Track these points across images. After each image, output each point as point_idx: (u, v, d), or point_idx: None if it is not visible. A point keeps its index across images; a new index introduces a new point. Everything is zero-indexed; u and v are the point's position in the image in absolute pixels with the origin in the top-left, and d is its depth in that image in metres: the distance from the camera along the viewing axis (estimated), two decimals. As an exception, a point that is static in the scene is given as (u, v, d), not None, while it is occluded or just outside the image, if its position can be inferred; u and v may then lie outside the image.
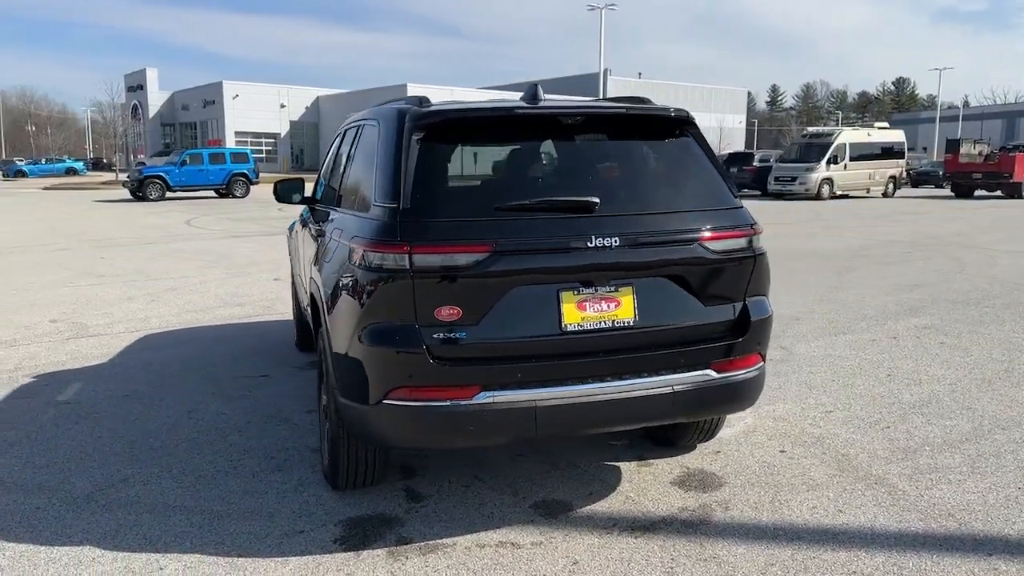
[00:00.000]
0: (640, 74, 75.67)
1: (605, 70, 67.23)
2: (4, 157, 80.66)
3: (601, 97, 28.83)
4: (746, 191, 30.63)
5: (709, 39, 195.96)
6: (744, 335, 3.43)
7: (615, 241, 3.14)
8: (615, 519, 3.49)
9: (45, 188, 41.26)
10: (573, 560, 3.14)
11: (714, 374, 3.36)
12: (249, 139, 63.16)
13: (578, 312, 3.15)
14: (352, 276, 3.18)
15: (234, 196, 30.38)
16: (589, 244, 3.11)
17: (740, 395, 3.50)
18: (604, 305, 3.18)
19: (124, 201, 28.96)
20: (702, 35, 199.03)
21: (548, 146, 3.56)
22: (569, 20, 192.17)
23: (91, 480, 3.96)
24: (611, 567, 3.08)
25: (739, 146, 69.14)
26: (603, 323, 3.18)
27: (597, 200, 3.18)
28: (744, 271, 3.44)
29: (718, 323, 3.41)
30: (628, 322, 3.22)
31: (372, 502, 3.67)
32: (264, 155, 64.05)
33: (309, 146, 66.79)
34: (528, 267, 3.09)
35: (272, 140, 64.80)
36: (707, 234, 3.31)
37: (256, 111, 62.28)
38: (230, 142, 61.54)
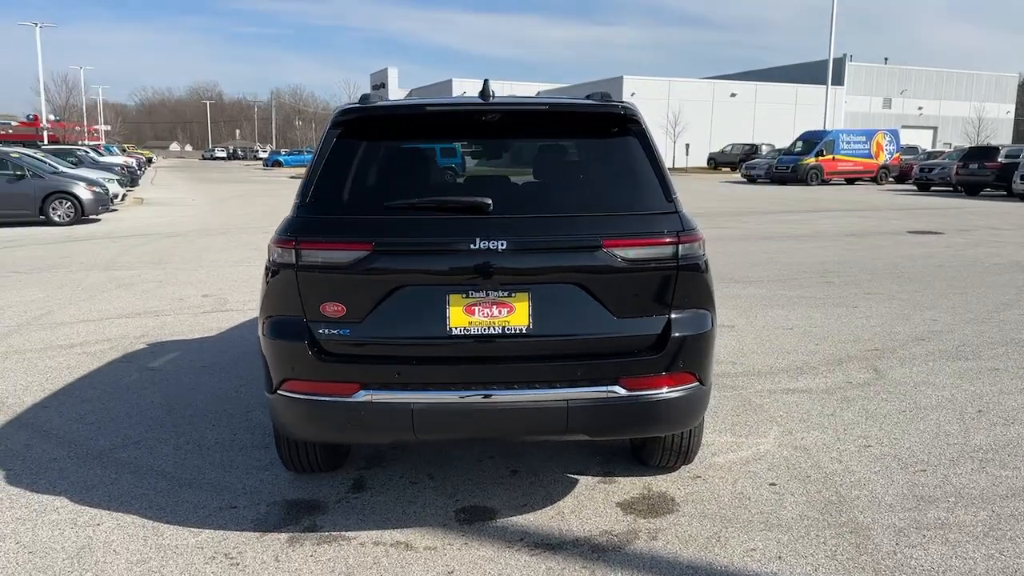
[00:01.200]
0: (886, 60, 69.40)
1: (844, 56, 62.61)
2: (274, 148, 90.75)
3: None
4: (988, 191, 27.24)
5: (975, 18, 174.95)
6: (661, 351, 3.13)
7: (503, 244, 3.00)
8: (528, 533, 3.35)
9: (291, 177, 45.87)
10: (450, 570, 3.06)
11: (622, 391, 3.11)
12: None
13: (466, 316, 3.05)
14: (263, 271, 3.32)
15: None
16: (473, 246, 2.99)
17: (656, 417, 3.20)
18: (495, 310, 3.06)
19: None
20: (967, 14, 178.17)
21: (470, 144, 3.46)
22: (814, 3, 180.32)
23: (110, 440, 4.44)
24: (483, 582, 2.97)
25: (1005, 139, 61.40)
26: (493, 328, 3.05)
27: (489, 201, 3.05)
28: (666, 282, 3.14)
29: (632, 337, 3.14)
30: (521, 329, 3.07)
31: (315, 487, 3.79)
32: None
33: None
34: (410, 267, 3.05)
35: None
36: (616, 240, 3.05)
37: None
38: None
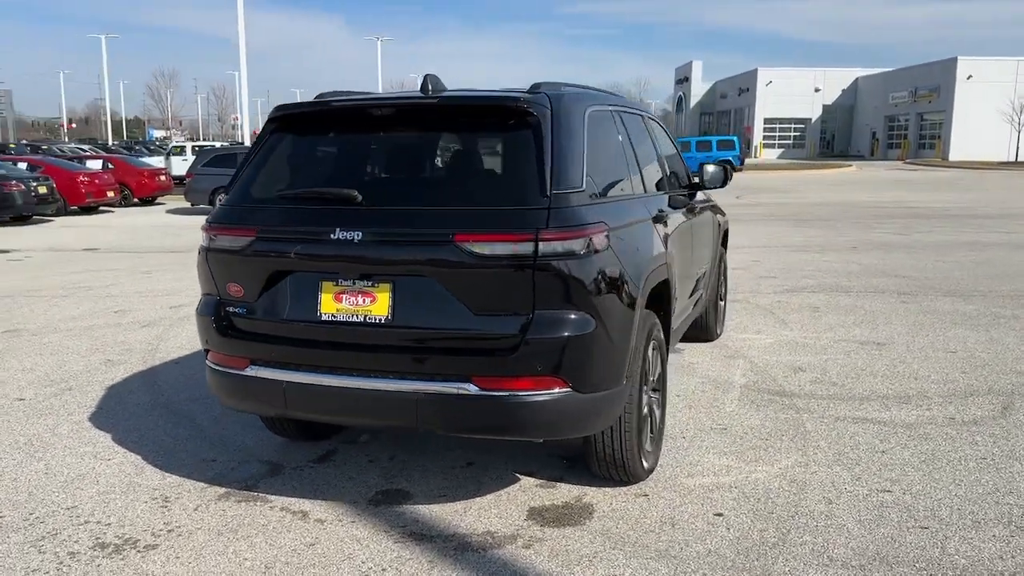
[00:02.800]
0: None
1: None
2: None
3: None
4: None
5: None
6: (517, 353, 3.00)
7: (359, 236, 3.08)
8: (417, 521, 3.40)
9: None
10: (313, 542, 3.24)
11: (473, 389, 3.03)
12: (778, 125, 62.85)
13: (335, 303, 3.19)
14: None
15: (717, 182, 31.08)
16: (334, 236, 3.11)
17: (512, 420, 3.07)
18: (359, 299, 3.15)
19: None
20: None
21: (364, 138, 3.53)
22: None
23: (187, 394, 5.21)
24: (335, 554, 3.10)
25: None
26: (356, 317, 3.16)
27: (355, 193, 3.14)
28: (524, 280, 2.98)
29: (488, 335, 3.04)
30: (381, 319, 3.13)
31: (290, 453, 4.16)
32: (791, 141, 63.08)
33: (841, 131, 63.55)
34: (285, 253, 3.24)
35: (802, 126, 63.32)
36: (467, 235, 2.97)
37: (788, 96, 61.52)
38: (758, 129, 62.15)
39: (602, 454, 3.53)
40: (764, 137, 63.03)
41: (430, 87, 3.45)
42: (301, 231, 3.21)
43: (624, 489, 3.70)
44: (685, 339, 6.33)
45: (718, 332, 6.39)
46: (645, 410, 3.68)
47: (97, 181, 20.34)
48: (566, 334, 3.03)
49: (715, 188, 5.58)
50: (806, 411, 4.76)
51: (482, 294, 3.03)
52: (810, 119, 63.19)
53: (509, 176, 3.15)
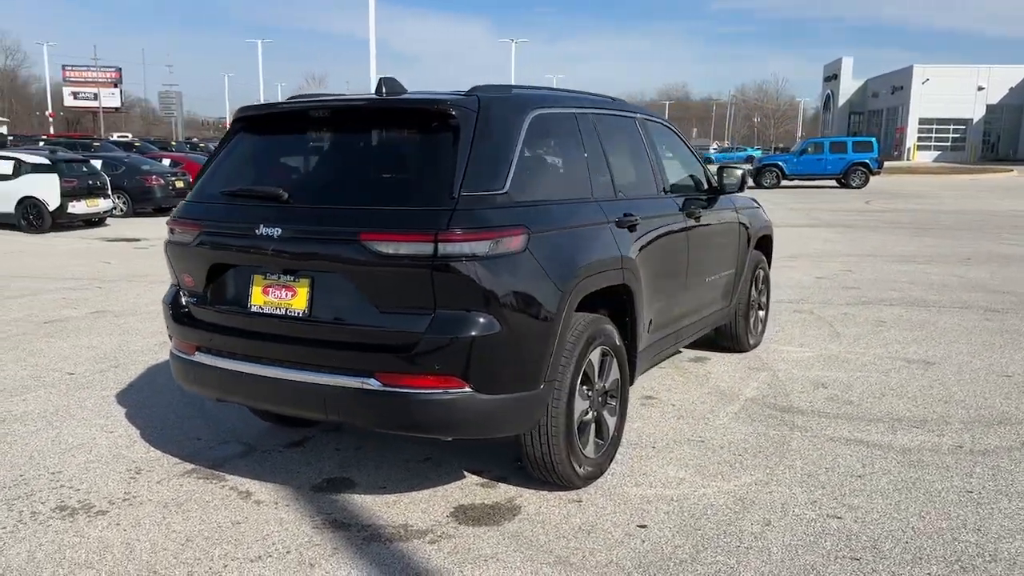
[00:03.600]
0: None
1: None
2: (728, 145, 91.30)
3: None
4: None
5: None
6: (417, 351, 3.06)
7: (278, 232, 3.23)
8: (345, 510, 3.53)
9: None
10: (242, 519, 3.43)
11: (376, 384, 3.12)
12: (935, 126, 58.74)
13: (263, 296, 3.36)
14: None
15: (850, 186, 29.53)
16: (258, 232, 3.28)
17: (413, 417, 3.12)
18: (283, 293, 3.31)
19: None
20: None
21: (302, 139, 3.66)
22: None
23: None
24: (252, 534, 3.28)
25: None
26: (279, 310, 3.32)
27: (281, 191, 3.29)
28: (424, 280, 3.04)
29: (392, 332, 3.11)
30: (299, 313, 3.27)
31: (269, 437, 4.40)
32: (949, 143, 58.78)
33: (1008, 132, 58.53)
34: (221, 246, 3.44)
35: (962, 127, 58.81)
36: (370, 234, 3.06)
37: (946, 95, 57.25)
38: (912, 130, 58.35)
39: (531, 456, 3.53)
40: (919, 139, 58.98)
41: (384, 90, 3.57)
42: (234, 227, 3.41)
43: (560, 494, 3.68)
44: (716, 348, 6.15)
45: (750, 342, 6.15)
46: (583, 416, 3.63)
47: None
48: (466, 335, 3.06)
49: (732, 193, 5.41)
50: (800, 429, 4.53)
51: (386, 292, 3.11)
52: (971, 120, 58.53)
53: (421, 177, 3.21)
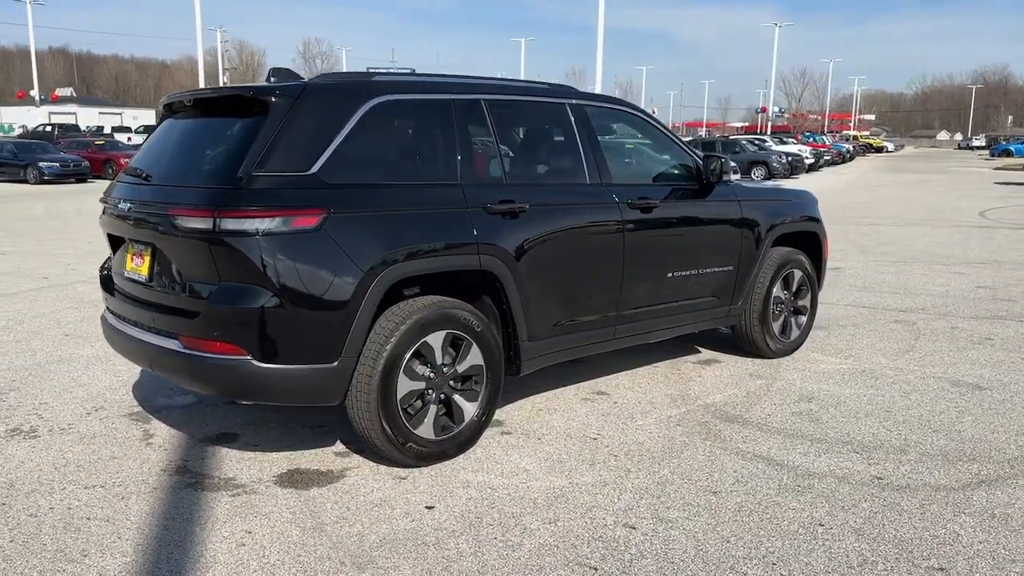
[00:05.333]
0: None
1: None
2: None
3: None
4: None
5: None
6: (202, 317, 3.37)
7: (129, 207, 3.69)
8: (193, 459, 3.92)
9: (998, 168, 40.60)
10: (118, 455, 3.95)
11: (178, 346, 3.47)
12: None
13: (130, 263, 3.85)
14: None
15: None
16: (121, 206, 3.76)
17: (203, 378, 3.46)
18: (137, 260, 3.78)
19: None
20: None
21: (178, 123, 4.02)
22: None
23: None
24: (96, 463, 3.80)
25: None
26: (134, 275, 3.79)
27: (144, 171, 3.74)
28: (207, 253, 3.32)
29: (188, 299, 3.45)
30: (143, 279, 3.72)
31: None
32: None
33: None
34: (111, 218, 3.97)
35: None
36: (174, 210, 3.40)
37: None
38: None
39: (356, 430, 3.69)
40: None
41: (272, 79, 3.91)
42: (116, 201, 3.93)
43: (389, 469, 3.79)
44: (739, 352, 5.74)
45: (771, 347, 5.63)
46: (414, 396, 3.71)
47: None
48: (242, 306, 3.31)
49: (718, 183, 5.06)
50: (720, 440, 4.18)
51: (187, 263, 3.46)
52: None
53: (223, 159, 3.49)
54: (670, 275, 4.85)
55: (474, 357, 3.89)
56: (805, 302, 5.89)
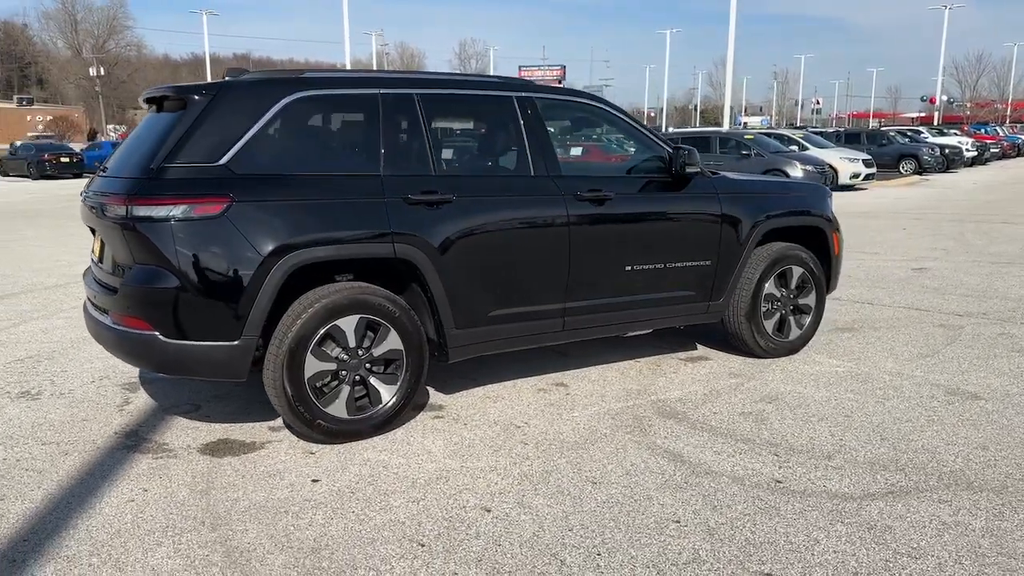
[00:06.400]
0: None
1: None
2: None
3: None
4: None
5: None
6: (117, 294, 3.74)
7: (85, 197, 4.12)
8: (154, 426, 4.32)
9: None
10: (89, 419, 4.44)
11: (109, 321, 3.87)
12: None
13: (98, 249, 4.29)
14: None
15: None
16: (86, 198, 4.20)
17: (123, 348, 3.83)
18: (97, 245, 4.21)
19: None
20: None
21: (143, 120, 4.37)
22: None
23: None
24: (80, 431, 4.27)
25: None
26: (94, 259, 4.23)
27: (105, 164, 4.17)
28: (122, 237, 3.68)
29: (114, 277, 3.84)
30: (96, 261, 4.15)
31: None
32: None
33: None
34: (82, 209, 4.43)
35: None
36: (103, 198, 3.79)
37: None
38: None
39: (273, 404, 3.97)
40: None
41: (226, 78, 4.26)
42: (83, 193, 4.38)
43: (302, 444, 4.03)
44: (735, 350, 5.58)
45: (761, 345, 5.41)
46: (324, 377, 3.92)
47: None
48: (146, 286, 3.66)
49: (690, 175, 4.95)
50: (644, 436, 4.14)
51: (114, 246, 3.85)
52: None
53: (146, 151, 3.81)
54: (629, 268, 4.79)
55: (392, 342, 4.06)
56: (808, 301, 5.61)
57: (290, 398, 3.84)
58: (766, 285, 5.36)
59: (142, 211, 3.63)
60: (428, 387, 4.87)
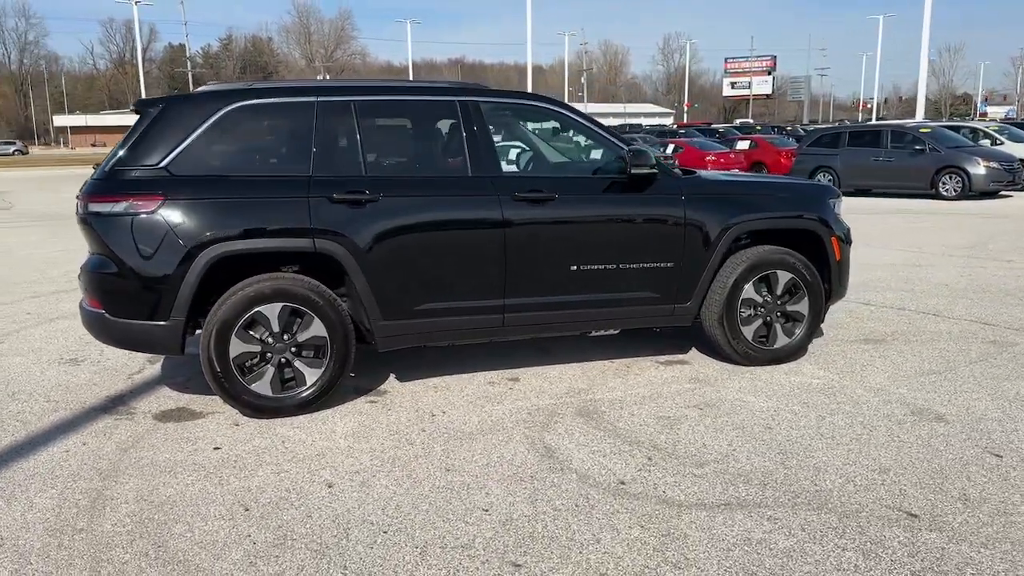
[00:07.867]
0: None
1: None
2: None
3: None
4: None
5: None
6: (79, 278, 4.41)
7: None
8: (140, 395, 5.01)
9: None
10: (83, 384, 5.24)
11: (84, 303, 4.56)
12: None
13: (89, 241, 5.02)
14: None
15: None
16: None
17: (89, 326, 4.49)
18: (91, 240, 4.95)
19: None
20: None
21: None
22: None
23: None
24: (74, 395, 5.04)
25: None
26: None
27: (96, 164, 4.88)
28: (83, 230, 4.34)
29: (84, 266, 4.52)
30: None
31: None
32: None
33: None
34: None
35: None
36: (77, 199, 4.47)
37: None
38: None
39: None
40: None
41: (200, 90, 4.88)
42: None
43: (240, 417, 4.51)
44: (721, 358, 5.44)
45: (737, 350, 5.20)
46: (248, 358, 4.38)
47: (722, 160, 22.89)
48: (93, 272, 4.30)
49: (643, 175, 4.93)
50: (537, 432, 4.23)
51: (84, 237, 4.52)
52: None
53: (110, 156, 4.43)
54: (574, 268, 4.85)
55: (316, 329, 4.44)
56: (799, 308, 5.32)
57: (216, 373, 4.33)
58: (744, 289, 5.17)
59: (95, 207, 4.28)
60: (391, 373, 5.21)
